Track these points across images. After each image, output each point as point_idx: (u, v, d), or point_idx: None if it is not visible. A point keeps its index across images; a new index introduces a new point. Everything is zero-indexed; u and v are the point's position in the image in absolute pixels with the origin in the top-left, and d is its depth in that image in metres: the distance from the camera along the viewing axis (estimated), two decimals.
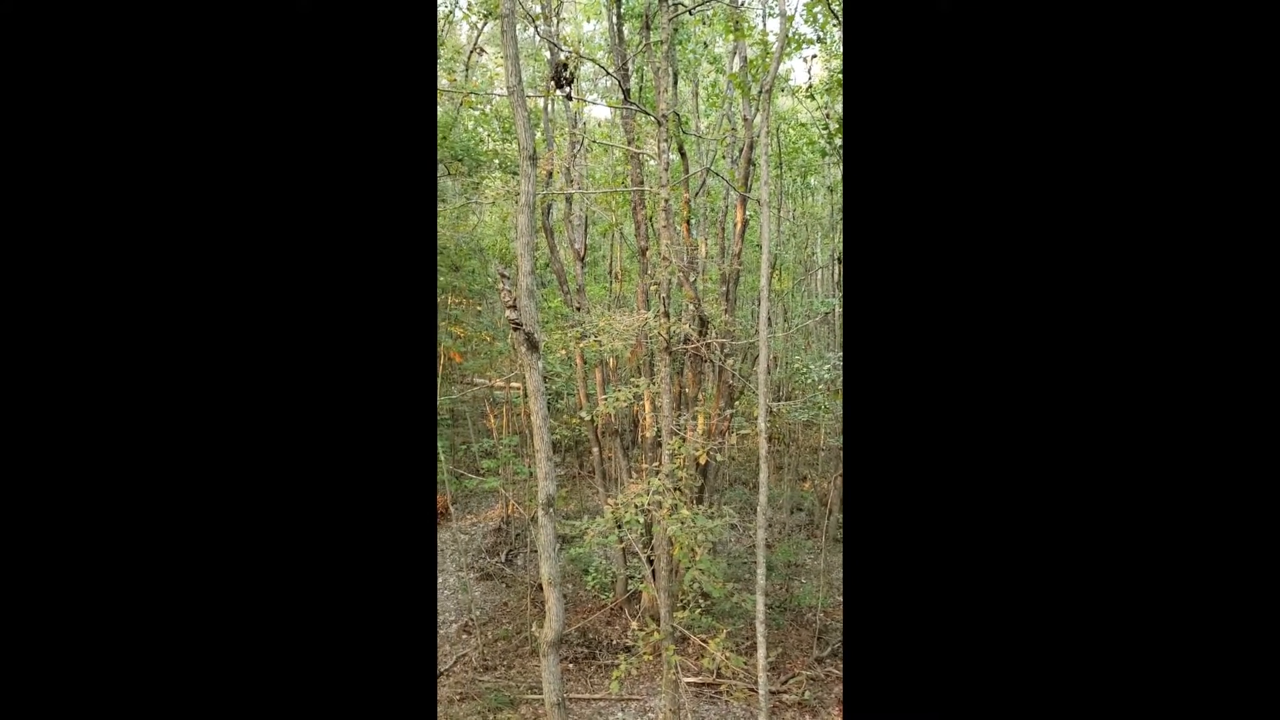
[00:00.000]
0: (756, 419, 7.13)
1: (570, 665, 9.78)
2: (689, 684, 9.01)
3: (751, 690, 8.61)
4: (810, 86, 8.32)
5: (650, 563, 8.99)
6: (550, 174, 10.48)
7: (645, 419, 10.34)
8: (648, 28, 7.87)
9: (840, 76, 8.04)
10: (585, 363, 11.44)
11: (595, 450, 11.59)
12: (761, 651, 6.08)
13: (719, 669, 9.20)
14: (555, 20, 9.83)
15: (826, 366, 10.52)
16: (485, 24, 8.09)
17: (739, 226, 10.14)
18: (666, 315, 6.83)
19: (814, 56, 8.53)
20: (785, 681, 9.23)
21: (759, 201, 6.70)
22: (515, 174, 11.41)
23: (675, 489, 6.65)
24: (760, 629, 6.09)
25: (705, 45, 11.15)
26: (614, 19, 8.98)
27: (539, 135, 10.46)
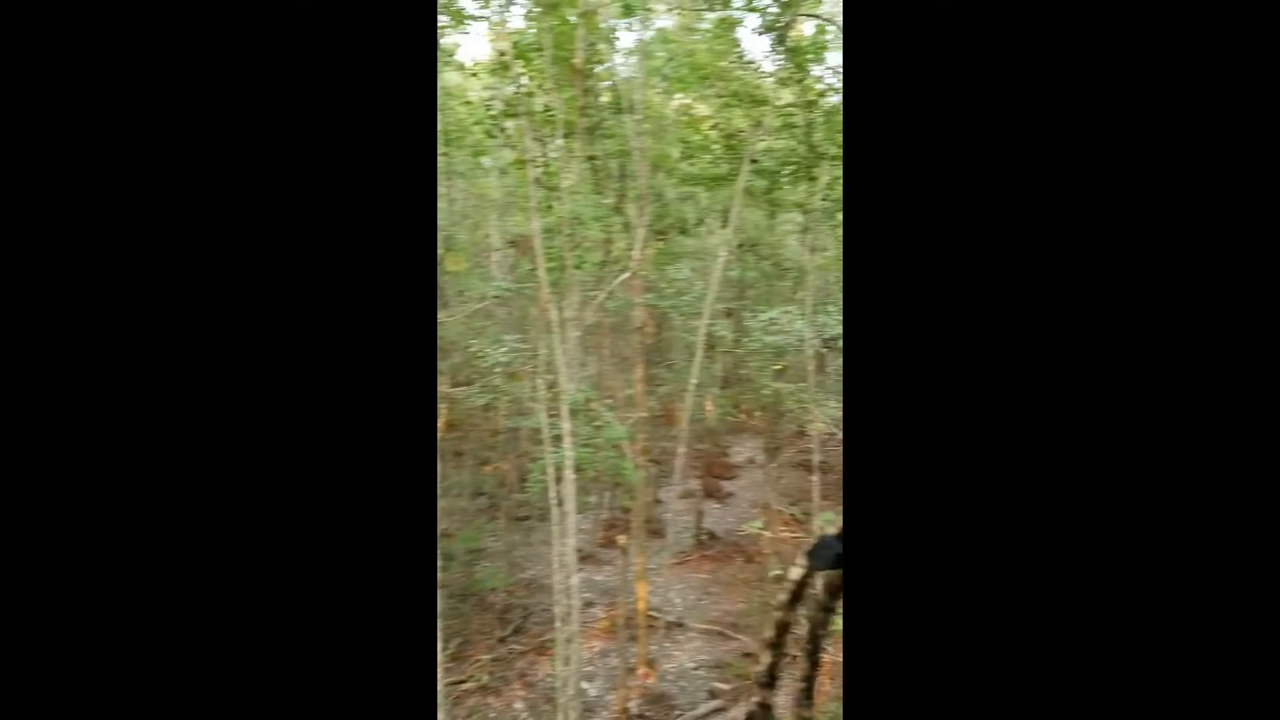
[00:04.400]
0: None
1: None
2: None
3: None
4: (475, 65, 8.14)
5: None
6: None
7: None
8: None
9: (505, 60, 8.00)
10: None
11: None
12: (438, 646, 5.88)
13: None
14: None
15: (503, 350, 10.55)
16: None
17: None
18: None
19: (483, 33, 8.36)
20: (468, 671, 9.17)
21: None
22: None
23: None
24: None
25: None
26: None
27: None
